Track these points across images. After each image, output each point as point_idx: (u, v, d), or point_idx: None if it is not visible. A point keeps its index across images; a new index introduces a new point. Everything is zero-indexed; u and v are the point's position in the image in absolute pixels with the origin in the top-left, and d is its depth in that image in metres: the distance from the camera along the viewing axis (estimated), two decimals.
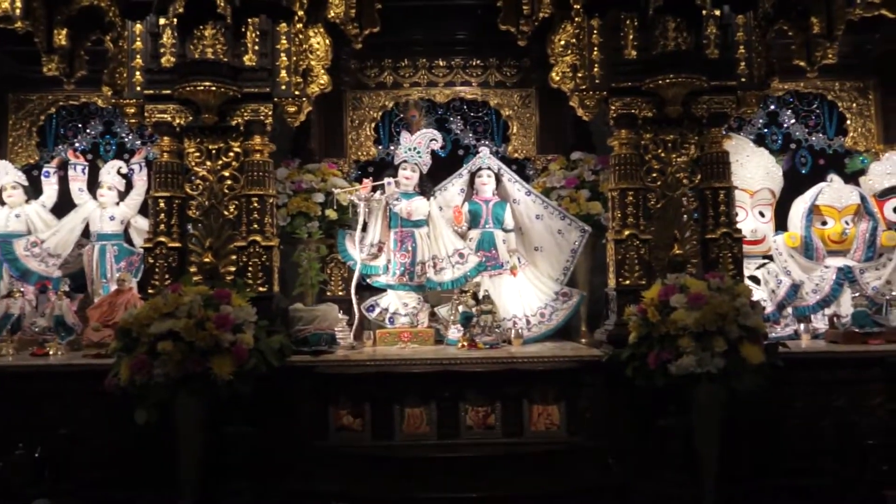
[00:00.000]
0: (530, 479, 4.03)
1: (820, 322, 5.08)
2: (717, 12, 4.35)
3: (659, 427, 3.97)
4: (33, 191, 5.44)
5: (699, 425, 3.89)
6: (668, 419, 3.94)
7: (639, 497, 4.01)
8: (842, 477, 4.11)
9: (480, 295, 4.77)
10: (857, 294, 4.99)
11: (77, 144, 5.79)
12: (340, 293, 5.29)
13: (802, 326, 4.97)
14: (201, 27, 4.25)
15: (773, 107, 5.85)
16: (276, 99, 4.40)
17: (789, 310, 5.09)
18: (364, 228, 5.11)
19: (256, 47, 4.36)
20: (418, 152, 5.16)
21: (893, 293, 4.94)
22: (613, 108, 4.41)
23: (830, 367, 4.38)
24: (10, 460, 3.98)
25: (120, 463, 4.07)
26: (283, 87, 4.41)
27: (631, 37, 4.38)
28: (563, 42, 4.65)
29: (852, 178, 5.53)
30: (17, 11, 4.27)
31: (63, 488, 3.98)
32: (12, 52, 5.35)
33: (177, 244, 4.37)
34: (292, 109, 4.45)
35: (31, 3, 4.35)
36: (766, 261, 5.23)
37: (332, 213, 5.22)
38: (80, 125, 5.89)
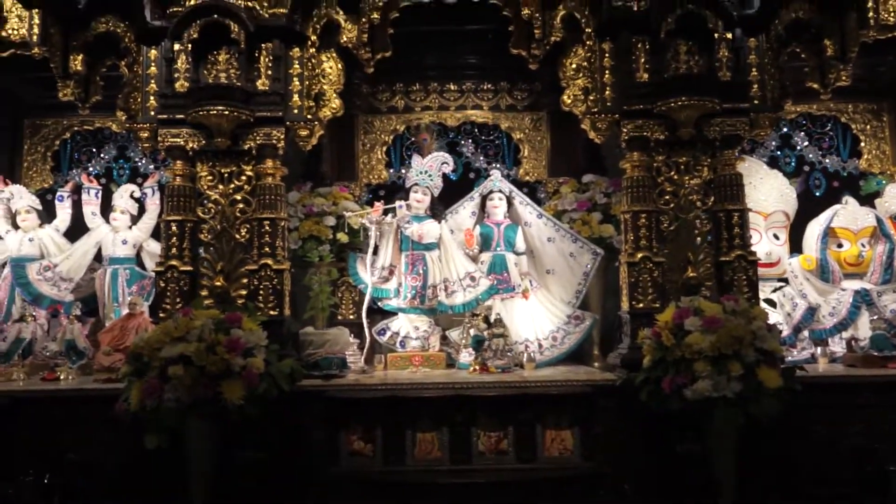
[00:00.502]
0: None
1: (837, 346, 5.03)
2: (730, 35, 4.33)
3: (675, 453, 3.92)
4: (47, 215, 5.45)
5: (716, 451, 3.84)
6: (684, 445, 3.89)
7: None
8: (861, 502, 4.04)
9: (492, 318, 4.74)
10: (875, 317, 4.92)
11: (91, 169, 5.82)
12: (351, 317, 5.27)
13: (819, 350, 4.90)
14: (215, 52, 4.29)
15: (786, 129, 5.83)
16: (288, 123, 4.42)
17: (806, 333, 5.03)
18: (375, 252, 5.09)
19: (269, 72, 4.38)
20: (430, 175, 5.15)
21: None
22: (625, 130, 4.40)
23: (849, 391, 4.32)
24: (19, 486, 3.96)
25: (130, 488, 4.03)
26: (296, 112, 4.43)
27: (643, 60, 4.38)
28: (574, 65, 4.67)
29: (867, 200, 5.49)
30: (35, 38, 4.34)
31: None
32: (28, 78, 5.37)
33: (188, 268, 4.37)
34: (304, 133, 4.47)
35: (48, 29, 4.42)
36: (781, 284, 5.18)
37: (343, 237, 5.21)
38: (94, 150, 5.93)
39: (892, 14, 4.34)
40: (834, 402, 4.26)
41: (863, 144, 5.83)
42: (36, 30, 4.35)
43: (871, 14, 4.37)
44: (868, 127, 5.86)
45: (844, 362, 4.80)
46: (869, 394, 4.30)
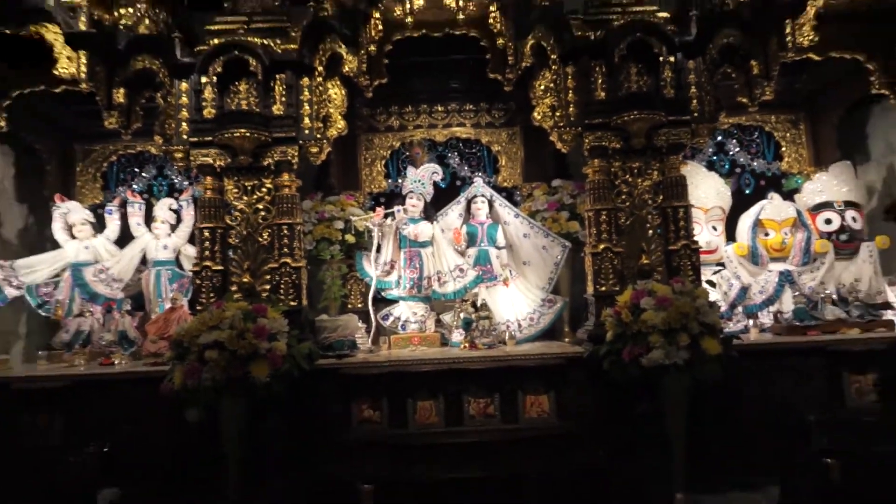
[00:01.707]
0: (526, 460, 3.94)
1: (766, 318, 5.00)
2: (672, 58, 4.31)
3: (634, 412, 3.91)
4: (99, 226, 5.37)
5: (668, 410, 3.82)
6: (641, 406, 3.88)
7: (619, 475, 3.92)
8: (789, 450, 4.03)
9: (478, 303, 4.70)
10: (796, 293, 4.93)
11: (134, 186, 5.76)
12: (359, 305, 5.24)
13: (751, 322, 4.91)
14: (236, 83, 4.26)
15: (720, 137, 5.82)
16: (300, 142, 4.36)
17: (740, 308, 5.01)
18: (378, 250, 5.06)
19: (283, 99, 4.32)
20: (422, 184, 5.13)
21: (827, 292, 4.87)
22: (587, 141, 4.36)
23: (776, 356, 4.33)
24: (82, 455, 3.91)
25: (176, 455, 3.99)
26: (307, 132, 4.37)
27: (600, 81, 4.33)
28: (542, 87, 4.62)
29: (789, 195, 5.47)
30: (83, 75, 4.27)
31: (128, 478, 3.92)
32: (78, 110, 5.32)
33: (220, 267, 4.32)
34: (315, 150, 4.41)
35: (93, 67, 4.34)
36: (719, 267, 5.17)
37: (350, 238, 5.17)
38: (136, 169, 5.86)
39: (806, 38, 4.32)
40: (764, 365, 4.27)
41: (784, 149, 5.83)
42: (83, 68, 4.27)
43: (789, 38, 4.34)
44: (788, 134, 5.87)
45: (772, 332, 4.79)
46: (793, 357, 4.31)
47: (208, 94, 4.26)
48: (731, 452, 4.05)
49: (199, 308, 4.21)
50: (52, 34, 4.25)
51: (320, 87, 4.48)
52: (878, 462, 3.79)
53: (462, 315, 4.68)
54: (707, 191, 5.23)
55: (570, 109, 4.39)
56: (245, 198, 4.43)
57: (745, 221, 5.25)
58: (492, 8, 4.54)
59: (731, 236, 5.31)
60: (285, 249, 4.30)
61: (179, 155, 4.38)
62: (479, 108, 5.79)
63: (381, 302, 5.12)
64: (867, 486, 3.75)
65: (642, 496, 3.85)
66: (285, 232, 4.31)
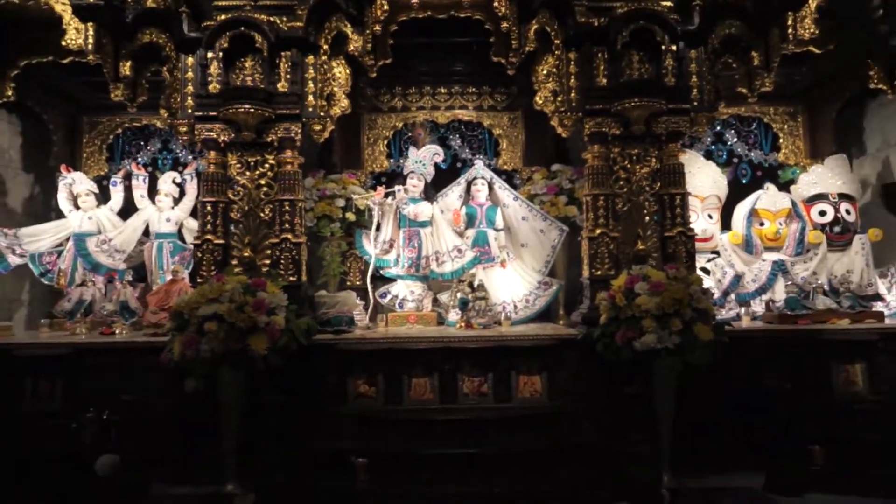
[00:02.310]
0: (518, 438, 3.98)
1: (758, 306, 5.00)
2: (674, 47, 4.24)
3: (625, 394, 3.91)
4: (103, 197, 5.34)
5: (658, 393, 3.81)
6: (632, 388, 3.88)
7: (609, 453, 3.94)
8: (777, 435, 4.05)
9: (475, 284, 4.70)
10: (788, 283, 4.93)
11: (139, 159, 5.73)
12: (358, 282, 5.23)
13: (744, 310, 4.92)
14: (242, 59, 4.20)
15: (719, 127, 5.79)
16: (304, 119, 4.31)
17: (733, 296, 5.00)
18: (378, 228, 5.05)
19: (288, 76, 4.27)
20: (423, 164, 5.09)
21: (819, 282, 4.86)
22: (587, 127, 4.32)
23: (767, 343, 4.32)
24: (82, 421, 3.92)
25: (174, 424, 3.98)
26: (311, 110, 4.32)
27: (602, 67, 4.29)
28: (545, 72, 4.57)
29: (784, 186, 5.44)
30: (90, 46, 4.24)
31: (126, 445, 3.92)
32: (85, 82, 5.27)
33: (221, 241, 4.28)
34: (318, 128, 4.36)
35: (101, 39, 4.30)
36: (713, 255, 5.15)
37: (351, 216, 5.15)
38: (141, 143, 5.83)
39: (807, 31, 4.29)
40: (755, 352, 4.25)
41: (781, 141, 5.82)
42: (91, 40, 4.23)
43: (790, 31, 4.31)
44: (786, 126, 5.84)
45: (764, 320, 4.79)
46: (783, 345, 4.29)
47: (214, 69, 4.20)
48: (719, 437, 4.06)
49: (199, 280, 4.19)
50: (61, 5, 4.21)
51: (325, 66, 4.43)
52: (864, 450, 3.81)
53: (459, 295, 4.67)
54: (704, 179, 5.20)
55: (572, 95, 4.34)
56: (248, 173, 4.39)
57: (741, 210, 5.22)
58: None
59: (726, 225, 5.28)
60: (286, 225, 4.27)
61: (184, 129, 4.33)
62: (482, 91, 5.74)
63: (380, 280, 5.10)
64: (852, 474, 3.77)
65: (631, 476, 3.87)
66: (287, 208, 4.28)
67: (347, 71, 4.58)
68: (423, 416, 4.05)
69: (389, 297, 5.03)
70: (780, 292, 4.93)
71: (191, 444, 3.94)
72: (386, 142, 5.76)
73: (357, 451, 3.82)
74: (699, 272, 4.35)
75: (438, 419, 4.03)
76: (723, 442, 4.07)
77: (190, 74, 4.32)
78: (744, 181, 5.71)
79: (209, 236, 4.26)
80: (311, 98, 4.32)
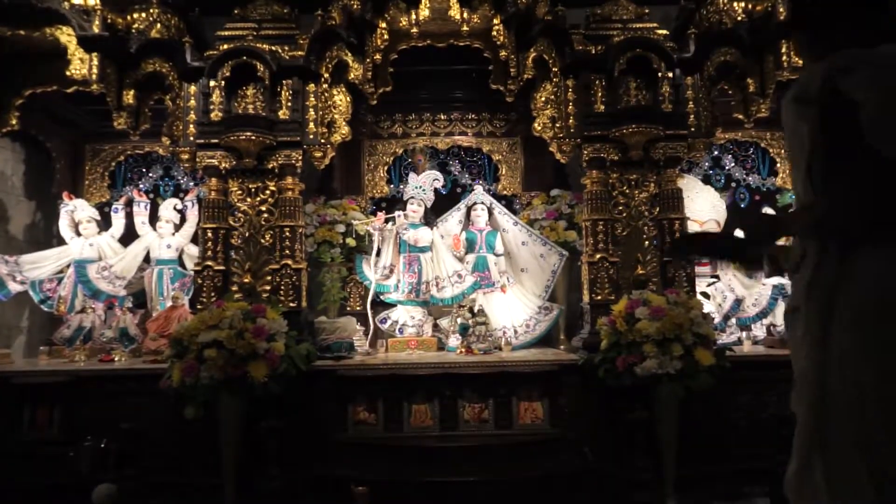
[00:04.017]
0: (519, 465, 3.92)
1: (759, 331, 4.99)
2: (671, 74, 4.30)
3: (627, 420, 3.87)
4: (104, 224, 5.35)
5: (661, 418, 3.80)
6: (634, 413, 3.84)
7: (611, 480, 3.90)
8: (778, 460, 3.99)
9: (476, 309, 4.69)
10: None
11: (141, 185, 5.74)
12: (358, 308, 5.21)
13: (744, 334, 4.89)
14: (244, 88, 4.25)
15: (716, 152, 5.80)
16: (305, 146, 4.35)
17: (733, 320, 5.00)
18: (378, 254, 5.04)
19: (289, 104, 4.32)
20: (423, 190, 5.11)
21: None
22: (586, 152, 4.36)
23: (768, 368, 4.27)
24: (79, 450, 3.88)
25: (173, 452, 3.95)
26: (311, 137, 4.36)
27: (600, 94, 4.34)
28: (543, 98, 4.61)
29: (782, 211, 5.46)
30: (94, 76, 4.28)
31: (125, 474, 3.86)
32: (89, 110, 5.31)
33: (221, 267, 4.30)
34: (318, 155, 4.40)
35: (105, 69, 4.34)
36: (713, 279, 5.14)
37: (351, 241, 5.15)
38: (143, 170, 5.84)
39: (801, 58, 4.33)
40: (756, 377, 4.22)
41: (778, 165, 5.80)
42: (95, 70, 4.27)
43: (784, 58, 4.37)
44: (783, 151, 5.82)
45: (765, 344, 4.78)
46: (785, 370, 4.18)
47: (216, 97, 4.25)
48: (722, 461, 4.02)
49: (199, 307, 4.19)
50: (67, 36, 4.26)
51: (326, 94, 4.48)
52: None
53: (459, 320, 4.66)
54: (702, 204, 5.21)
55: (570, 121, 4.39)
56: (249, 199, 4.42)
57: (740, 235, 5.22)
58: (495, 21, 4.54)
59: None
60: (286, 251, 4.28)
61: (186, 156, 4.37)
62: (481, 117, 5.78)
63: (380, 305, 5.09)
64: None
65: (633, 502, 3.82)
66: (287, 234, 4.30)
67: (348, 98, 4.63)
68: (424, 442, 4.01)
69: (389, 322, 5.01)
70: (780, 316, 4.92)
71: (190, 472, 3.91)
72: (386, 167, 5.78)
73: (357, 478, 3.76)
74: (699, 297, 4.35)
75: (439, 446, 3.99)
76: (725, 467, 4.02)
77: (192, 102, 4.38)
78: (742, 205, 5.71)
79: (209, 262, 4.28)
80: (311, 125, 4.36)
